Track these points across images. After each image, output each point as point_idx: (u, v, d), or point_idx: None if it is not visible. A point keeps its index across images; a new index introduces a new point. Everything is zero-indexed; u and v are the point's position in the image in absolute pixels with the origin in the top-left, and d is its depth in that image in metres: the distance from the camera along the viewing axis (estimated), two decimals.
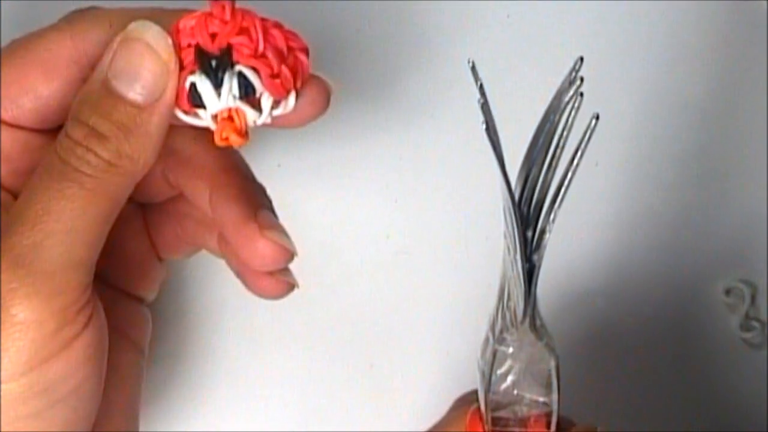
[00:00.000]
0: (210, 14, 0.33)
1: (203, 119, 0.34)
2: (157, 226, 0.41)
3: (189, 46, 0.33)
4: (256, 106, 0.34)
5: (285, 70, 0.34)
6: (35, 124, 0.36)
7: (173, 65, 0.33)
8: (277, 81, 0.34)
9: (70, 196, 0.33)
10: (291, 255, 0.38)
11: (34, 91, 0.35)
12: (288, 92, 0.34)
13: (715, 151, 0.50)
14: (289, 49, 0.34)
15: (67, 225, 0.32)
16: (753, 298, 0.48)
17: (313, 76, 0.36)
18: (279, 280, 0.39)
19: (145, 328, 0.41)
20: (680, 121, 0.50)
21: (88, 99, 0.33)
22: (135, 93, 0.33)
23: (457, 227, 0.48)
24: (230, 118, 0.33)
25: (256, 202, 0.38)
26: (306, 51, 0.35)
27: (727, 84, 0.50)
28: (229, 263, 0.40)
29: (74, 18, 0.36)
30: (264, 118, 0.34)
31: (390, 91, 0.47)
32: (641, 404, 0.48)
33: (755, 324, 0.48)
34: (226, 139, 0.33)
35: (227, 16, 0.33)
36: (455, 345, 0.47)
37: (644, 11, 0.50)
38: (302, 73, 0.34)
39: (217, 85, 0.33)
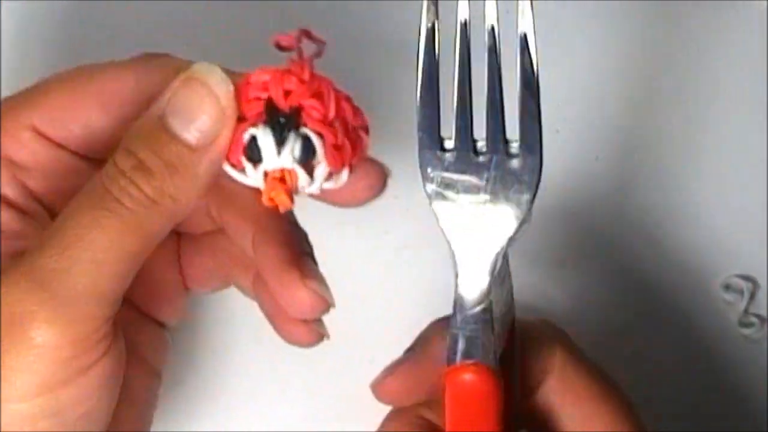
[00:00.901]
0: (288, 71, 0.33)
1: (250, 177, 0.33)
2: (191, 257, 0.41)
3: (257, 99, 0.33)
4: (310, 173, 0.33)
5: (347, 143, 0.33)
6: (81, 149, 0.36)
7: (231, 112, 0.33)
8: (338, 153, 0.33)
9: (105, 225, 0.32)
10: (328, 306, 0.38)
11: (87, 120, 0.35)
12: (343, 166, 0.33)
13: (713, 148, 0.50)
14: (354, 124, 0.34)
15: (96, 255, 0.32)
16: (752, 294, 0.48)
17: (373, 160, 0.36)
18: (311, 329, 0.38)
19: (163, 354, 0.41)
20: (679, 120, 0.50)
21: (142, 131, 0.33)
22: (189, 134, 0.32)
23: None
24: (282, 179, 0.33)
25: (298, 248, 0.38)
26: (367, 130, 0.34)
27: (728, 84, 0.50)
28: (261, 305, 0.39)
29: (142, 59, 0.36)
30: (314, 187, 0.33)
31: (389, 88, 0.47)
32: (639, 400, 0.46)
33: (754, 320, 0.48)
34: (273, 200, 0.33)
35: (306, 76, 0.32)
36: None
37: (644, 11, 0.50)
38: (360, 151, 0.34)
39: (280, 142, 0.32)
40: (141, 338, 0.39)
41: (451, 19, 0.36)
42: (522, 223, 0.36)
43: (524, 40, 0.36)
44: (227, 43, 0.50)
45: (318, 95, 0.33)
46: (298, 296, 0.37)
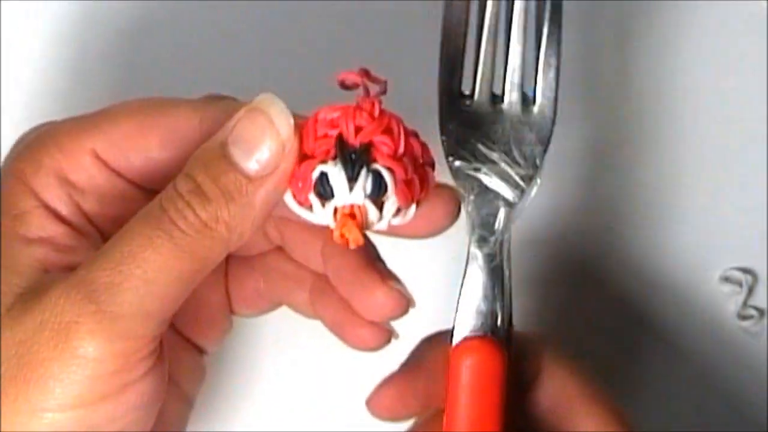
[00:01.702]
0: (358, 108, 0.33)
1: (317, 214, 0.33)
2: (240, 279, 0.41)
3: (326, 136, 0.33)
4: (379, 208, 0.33)
5: (416, 179, 0.34)
6: (138, 179, 0.36)
7: (291, 146, 0.33)
8: (407, 188, 0.33)
9: (158, 246, 0.32)
10: (409, 304, 0.38)
11: (147, 152, 0.36)
12: (412, 201, 0.34)
13: (714, 144, 0.50)
14: (421, 160, 0.34)
15: (147, 274, 0.32)
16: (751, 287, 0.49)
17: (446, 187, 0.37)
18: (381, 330, 0.39)
19: (199, 381, 0.41)
20: (680, 117, 0.50)
21: (203, 157, 0.33)
22: (248, 163, 0.33)
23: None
24: (352, 215, 0.33)
25: (371, 252, 0.38)
26: (433, 165, 0.35)
27: (727, 84, 0.50)
28: (324, 316, 0.40)
29: (208, 100, 0.37)
30: (383, 223, 0.33)
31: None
32: (637, 394, 0.48)
33: (753, 312, 0.48)
34: (343, 236, 0.33)
35: (376, 112, 0.33)
36: None
37: (643, 11, 0.50)
38: (428, 186, 0.34)
39: (352, 178, 0.32)
40: (179, 363, 0.39)
41: None
42: (533, 178, 0.37)
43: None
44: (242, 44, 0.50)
45: (388, 131, 0.33)
46: (379, 297, 0.37)
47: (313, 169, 0.33)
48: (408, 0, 0.49)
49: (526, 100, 0.37)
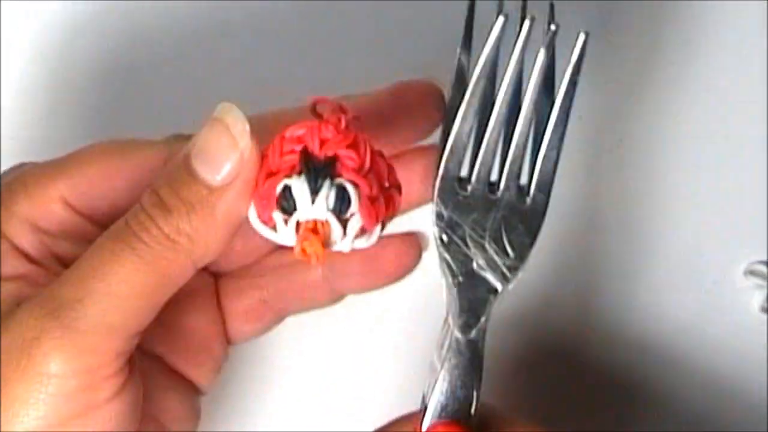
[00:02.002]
0: (325, 122, 0.33)
1: (281, 232, 0.33)
2: (239, 294, 0.40)
3: (291, 152, 0.33)
4: (343, 226, 0.33)
5: (381, 198, 0.33)
6: (107, 221, 0.35)
7: (248, 154, 0.33)
8: (372, 206, 0.33)
9: (122, 259, 0.32)
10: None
11: (115, 196, 0.36)
12: (377, 222, 0.33)
13: (741, 135, 0.50)
14: (388, 181, 0.34)
15: (110, 287, 0.32)
16: None
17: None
18: (411, 239, 0.39)
19: (193, 426, 0.40)
20: (705, 108, 0.50)
21: (168, 171, 0.34)
22: (208, 174, 0.33)
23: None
24: (314, 230, 0.32)
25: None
26: (400, 189, 0.34)
27: (727, 84, 0.50)
28: (348, 276, 0.40)
29: (174, 142, 0.37)
30: (346, 242, 0.33)
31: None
32: (661, 388, 0.48)
33: None
34: (304, 251, 0.32)
35: (342, 125, 0.33)
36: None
37: (643, 11, 0.50)
38: (393, 209, 0.34)
39: (315, 190, 0.32)
40: (168, 404, 0.38)
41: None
42: (518, 269, 0.38)
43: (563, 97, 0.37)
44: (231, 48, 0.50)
45: (354, 146, 0.33)
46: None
47: (277, 184, 0.33)
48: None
49: (521, 190, 0.38)
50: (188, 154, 0.33)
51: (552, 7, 0.38)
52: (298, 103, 0.35)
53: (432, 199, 0.37)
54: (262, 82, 0.48)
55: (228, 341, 0.41)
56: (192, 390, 0.40)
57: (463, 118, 0.37)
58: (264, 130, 0.34)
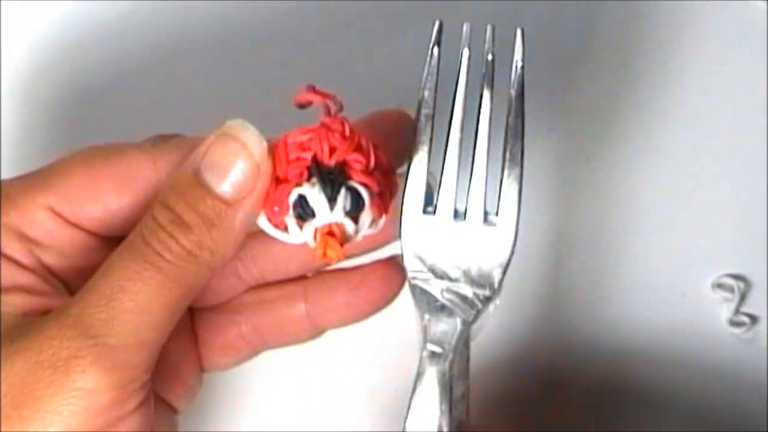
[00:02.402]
0: (329, 129, 0.34)
1: (293, 234, 0.34)
2: (217, 329, 0.41)
3: (298, 159, 0.34)
4: (356, 222, 0.34)
5: (386, 191, 0.35)
6: (98, 230, 0.37)
7: (264, 168, 0.34)
8: (380, 200, 0.35)
9: (147, 278, 0.33)
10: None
11: (104, 202, 0.36)
12: (385, 212, 0.35)
13: (709, 147, 0.50)
14: (387, 167, 0.35)
15: (140, 306, 0.33)
16: (744, 293, 0.49)
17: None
18: (392, 265, 0.39)
19: None
20: (676, 119, 0.50)
21: (178, 185, 0.34)
22: (224, 188, 0.34)
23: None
24: (331, 233, 0.34)
25: None
26: (395, 170, 0.36)
27: (727, 84, 0.50)
28: (330, 308, 0.40)
29: (160, 142, 0.37)
30: (359, 235, 0.35)
31: (389, 87, 0.47)
32: (630, 401, 0.48)
33: (746, 319, 0.48)
34: (325, 253, 0.34)
35: (347, 132, 0.34)
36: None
37: (644, 11, 0.50)
38: (394, 193, 0.36)
39: (332, 198, 0.34)
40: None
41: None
42: (491, 299, 0.37)
43: (514, 115, 0.37)
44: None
45: (358, 148, 0.34)
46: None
47: (289, 192, 0.34)
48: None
49: (488, 219, 0.37)
50: (197, 167, 0.34)
51: (493, 29, 0.37)
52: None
53: (399, 236, 0.37)
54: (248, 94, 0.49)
55: (202, 370, 0.42)
56: (168, 408, 0.41)
57: (417, 153, 0.37)
58: None
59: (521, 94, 0.37)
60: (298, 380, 0.48)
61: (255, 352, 0.42)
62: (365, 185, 0.34)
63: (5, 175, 0.38)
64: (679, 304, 0.49)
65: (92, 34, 0.50)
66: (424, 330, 0.37)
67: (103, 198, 0.36)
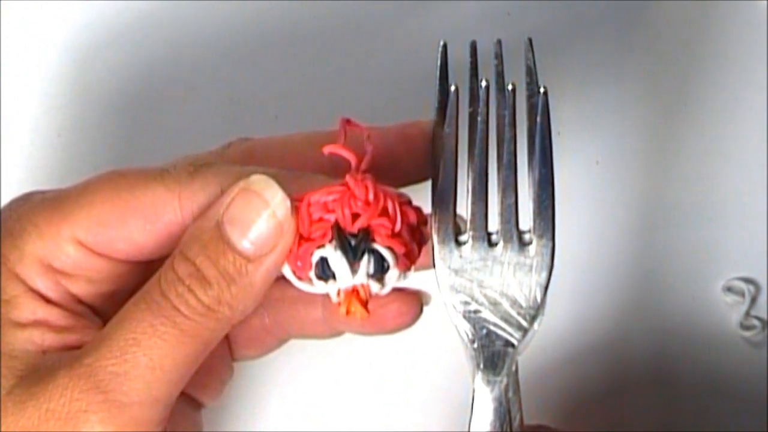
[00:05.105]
0: (352, 194, 0.33)
1: (317, 287, 0.34)
2: (240, 324, 0.40)
3: (321, 220, 0.33)
4: (381, 282, 0.33)
5: (414, 246, 0.34)
6: (125, 257, 0.36)
7: (287, 227, 0.33)
8: (407, 258, 0.33)
9: (162, 333, 0.33)
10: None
11: (129, 234, 0.35)
12: (411, 267, 0.34)
13: (714, 149, 0.50)
14: (416, 222, 0.34)
15: (153, 361, 0.33)
16: (754, 297, 0.49)
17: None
18: (411, 296, 0.38)
19: None
20: (679, 120, 0.50)
21: (199, 237, 0.33)
22: (245, 244, 0.33)
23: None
24: (355, 291, 0.33)
25: None
26: (426, 222, 0.34)
27: (727, 84, 0.50)
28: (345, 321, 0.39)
29: (184, 177, 0.35)
30: (385, 291, 0.34)
31: (390, 88, 0.47)
32: (640, 402, 0.48)
33: (756, 322, 0.48)
34: (348, 311, 0.33)
35: (370, 197, 0.33)
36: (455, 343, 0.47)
37: (644, 11, 0.50)
38: (423, 246, 0.34)
39: (354, 262, 0.33)
40: (173, 419, 0.38)
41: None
42: (536, 316, 0.36)
43: (541, 136, 0.36)
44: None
45: (384, 212, 0.33)
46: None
47: (312, 253, 0.33)
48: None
49: (523, 239, 0.36)
50: (221, 220, 0.33)
51: (530, 42, 0.37)
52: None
53: (432, 266, 0.36)
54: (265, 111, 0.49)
55: (233, 360, 0.41)
56: (195, 405, 0.40)
57: (444, 179, 0.36)
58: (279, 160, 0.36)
59: (548, 120, 0.36)
60: (324, 381, 0.48)
61: (280, 342, 0.42)
62: (390, 248, 0.33)
63: (15, 182, 0.38)
64: (689, 307, 0.49)
65: (107, 36, 0.50)
66: (474, 358, 0.37)
67: (129, 232, 0.35)
